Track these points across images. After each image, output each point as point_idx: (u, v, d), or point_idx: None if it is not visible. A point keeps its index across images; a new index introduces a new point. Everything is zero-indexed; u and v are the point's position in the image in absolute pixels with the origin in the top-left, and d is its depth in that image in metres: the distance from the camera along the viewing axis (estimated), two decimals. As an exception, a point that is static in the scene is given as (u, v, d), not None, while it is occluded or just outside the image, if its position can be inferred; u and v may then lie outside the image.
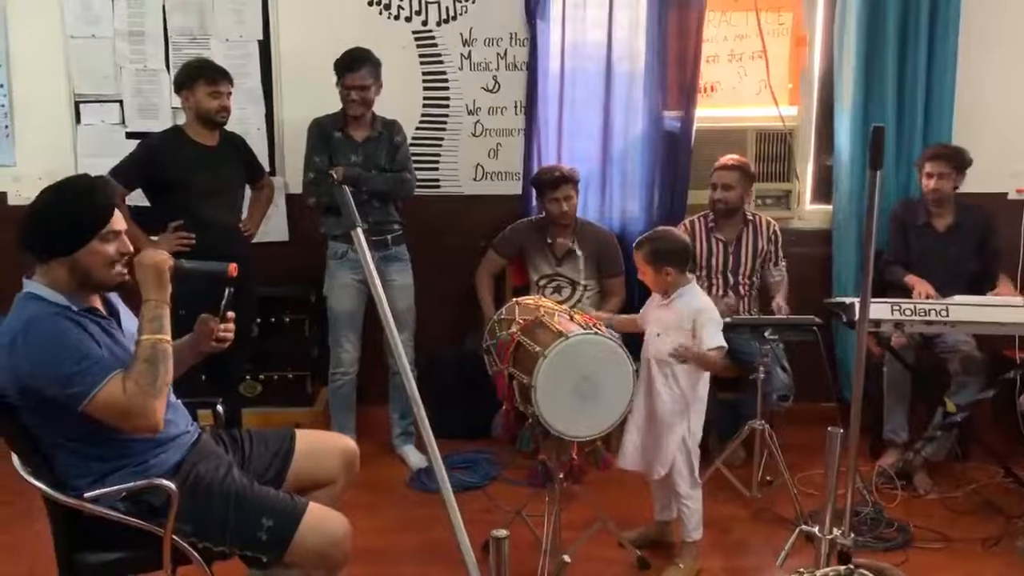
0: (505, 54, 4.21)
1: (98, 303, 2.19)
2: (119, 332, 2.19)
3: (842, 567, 2.06)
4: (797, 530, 2.96)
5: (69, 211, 2.08)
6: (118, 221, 2.13)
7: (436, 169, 4.29)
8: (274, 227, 4.22)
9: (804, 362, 3.71)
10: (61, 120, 4.20)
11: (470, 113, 4.26)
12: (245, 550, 2.18)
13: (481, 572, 1.81)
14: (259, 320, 3.99)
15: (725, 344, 2.82)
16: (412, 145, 4.01)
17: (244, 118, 4.14)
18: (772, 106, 4.25)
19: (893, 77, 4.06)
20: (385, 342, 3.49)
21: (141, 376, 2.03)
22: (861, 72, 4.07)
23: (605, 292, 4.04)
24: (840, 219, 4.24)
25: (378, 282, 1.89)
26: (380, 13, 4.17)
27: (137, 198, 3.62)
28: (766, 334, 3.32)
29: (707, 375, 2.90)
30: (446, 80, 4.23)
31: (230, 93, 3.59)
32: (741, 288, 3.91)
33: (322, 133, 3.72)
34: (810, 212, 4.42)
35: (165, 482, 2.08)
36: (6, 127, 4.22)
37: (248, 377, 4.11)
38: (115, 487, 2.07)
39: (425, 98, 4.24)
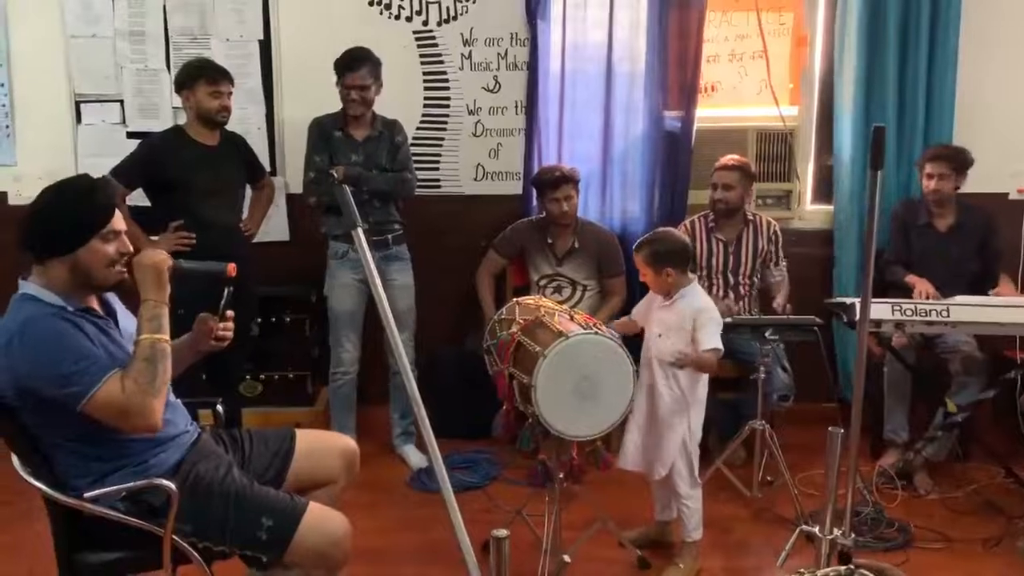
0: (506, 54, 4.21)
1: (95, 303, 2.19)
2: (116, 332, 2.19)
3: (842, 567, 2.06)
4: (798, 530, 2.96)
5: (69, 210, 2.08)
6: (118, 221, 2.13)
7: (437, 169, 4.29)
8: (275, 227, 4.22)
9: (805, 362, 3.71)
10: (62, 120, 4.20)
11: (471, 113, 4.26)
12: (245, 550, 2.18)
13: (481, 572, 1.81)
14: (259, 320, 3.99)
15: (721, 347, 2.82)
16: (413, 145, 4.01)
17: (245, 118, 4.14)
18: (773, 106, 4.25)
19: (894, 77, 4.06)
20: (385, 342, 3.50)
21: (140, 375, 2.03)
22: (862, 72, 4.07)
23: (606, 292, 4.04)
24: (841, 219, 4.24)
25: (379, 282, 1.89)
26: (381, 13, 4.17)
27: (138, 198, 3.63)
28: (767, 334, 3.31)
29: (706, 375, 2.90)
30: (447, 80, 4.23)
31: (231, 93, 3.59)
32: (741, 288, 3.91)
33: (322, 133, 3.72)
34: (811, 212, 4.42)
35: (165, 482, 2.08)
36: (7, 127, 4.22)
37: (248, 377, 4.11)
38: (115, 487, 2.07)
39: (426, 98, 4.24)
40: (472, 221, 4.27)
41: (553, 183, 3.86)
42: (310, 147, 3.74)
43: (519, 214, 4.20)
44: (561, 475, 2.76)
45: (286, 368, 4.16)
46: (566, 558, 2.69)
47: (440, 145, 4.28)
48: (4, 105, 4.20)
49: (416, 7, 4.17)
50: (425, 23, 4.19)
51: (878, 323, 3.22)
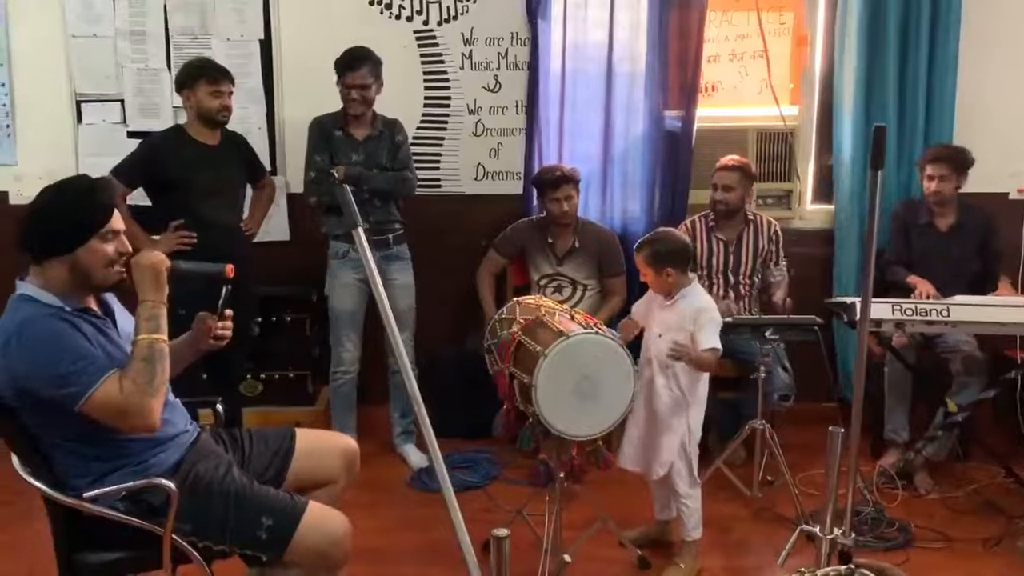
0: (506, 54, 4.21)
1: (93, 303, 2.19)
2: (114, 332, 2.19)
3: (843, 567, 2.06)
4: (798, 530, 2.96)
5: (69, 210, 2.08)
6: (117, 221, 2.13)
7: (437, 169, 4.29)
8: (275, 226, 4.22)
9: (805, 362, 3.71)
10: (62, 119, 4.21)
11: (471, 113, 4.26)
12: (245, 549, 2.18)
13: (482, 572, 1.81)
14: (260, 319, 3.99)
15: (720, 347, 2.82)
16: (413, 144, 4.01)
17: (245, 117, 4.14)
18: (773, 106, 4.24)
19: (894, 77, 4.06)
20: (386, 341, 3.50)
21: (138, 375, 2.03)
22: (862, 72, 4.07)
23: (606, 292, 4.04)
24: (841, 219, 4.24)
25: (379, 281, 1.89)
26: (381, 13, 4.17)
27: (138, 197, 3.63)
28: (767, 334, 3.31)
29: (706, 375, 2.90)
30: (447, 80, 4.23)
31: (231, 92, 3.59)
32: (742, 288, 3.91)
33: (323, 132, 3.72)
34: (811, 212, 4.42)
35: (164, 481, 2.08)
36: (7, 126, 4.22)
37: (249, 376, 4.11)
38: (114, 487, 2.07)
39: (426, 98, 4.24)
40: (472, 221, 4.27)
41: (554, 183, 3.86)
42: (310, 147, 3.74)
43: (519, 214, 4.20)
44: (561, 475, 2.76)
45: (286, 368, 4.16)
46: (566, 558, 2.69)
47: (440, 145, 4.28)
48: (5, 105, 4.20)
49: (416, 7, 4.17)
50: (425, 23, 4.19)
51: (878, 323, 3.22)
